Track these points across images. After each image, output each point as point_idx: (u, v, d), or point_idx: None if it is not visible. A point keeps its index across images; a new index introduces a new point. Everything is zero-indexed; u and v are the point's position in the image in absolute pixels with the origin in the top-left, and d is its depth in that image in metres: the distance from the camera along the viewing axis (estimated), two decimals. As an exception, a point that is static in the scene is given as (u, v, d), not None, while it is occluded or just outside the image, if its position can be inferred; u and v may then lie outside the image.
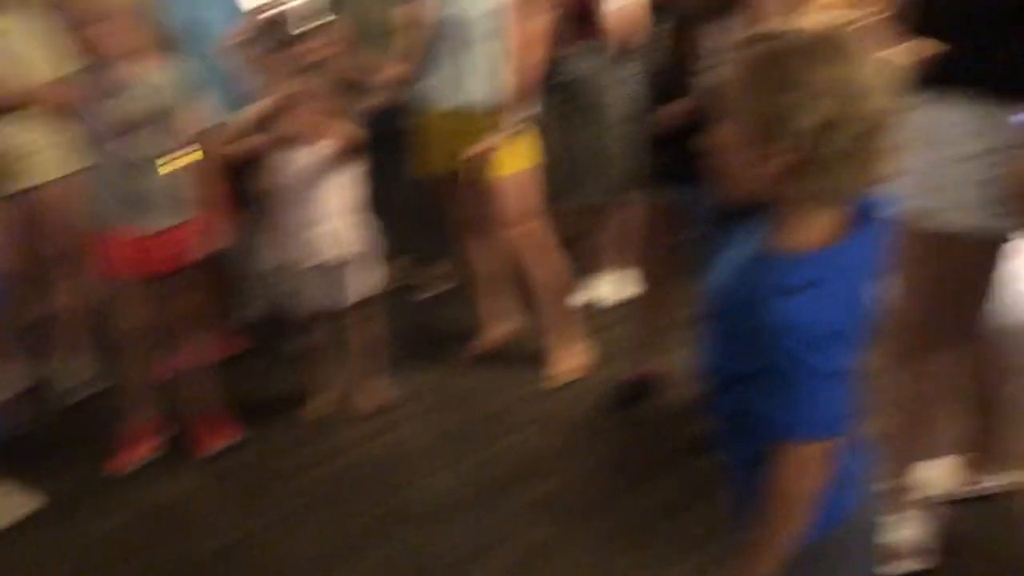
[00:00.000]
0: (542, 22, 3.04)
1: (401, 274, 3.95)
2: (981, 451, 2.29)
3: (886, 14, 1.92)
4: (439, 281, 4.12)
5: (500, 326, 3.47)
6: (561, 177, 3.64)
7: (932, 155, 1.90)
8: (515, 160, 3.08)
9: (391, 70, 3.31)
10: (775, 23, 1.31)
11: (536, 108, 3.19)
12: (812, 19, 1.12)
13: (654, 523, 2.36)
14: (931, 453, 2.24)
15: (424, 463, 2.74)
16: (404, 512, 2.51)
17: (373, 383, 3.08)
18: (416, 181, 3.59)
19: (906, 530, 2.10)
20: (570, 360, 3.20)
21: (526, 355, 3.34)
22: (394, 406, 3.06)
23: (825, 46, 1.06)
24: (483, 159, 3.01)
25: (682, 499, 2.44)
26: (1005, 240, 1.93)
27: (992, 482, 2.29)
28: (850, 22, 1.10)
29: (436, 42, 3.04)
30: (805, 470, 1.13)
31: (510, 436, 2.85)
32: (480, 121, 3.02)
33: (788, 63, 1.06)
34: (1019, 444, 2.30)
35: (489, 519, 2.44)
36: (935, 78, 1.84)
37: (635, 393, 2.98)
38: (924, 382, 2.11)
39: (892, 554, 2.04)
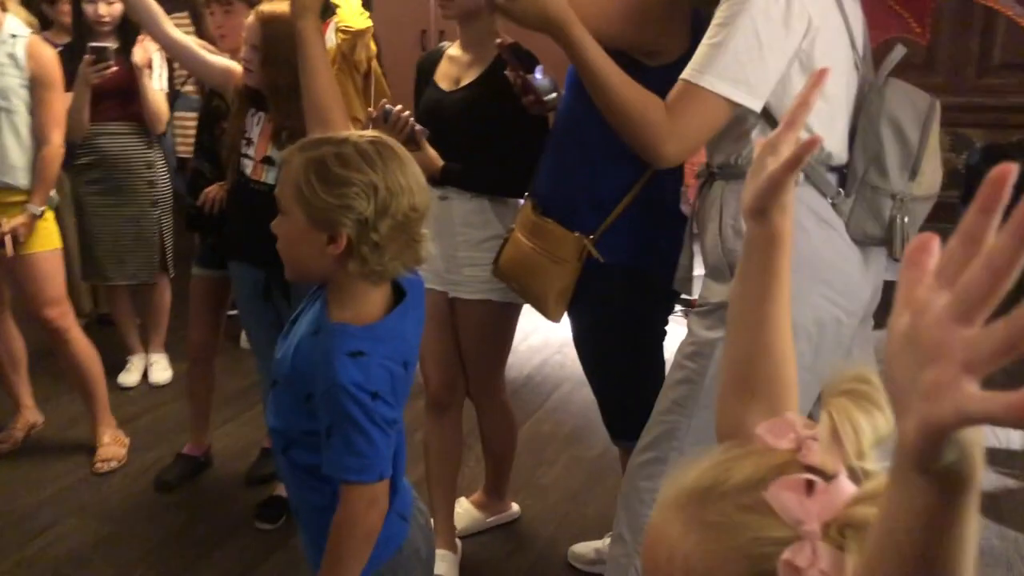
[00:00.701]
0: (66, 100, 3.01)
1: None
2: (493, 489, 2.74)
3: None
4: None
5: (29, 417, 3.24)
6: (98, 256, 3.55)
7: (448, 241, 2.32)
8: (44, 238, 2.96)
9: None
10: (326, 131, 1.57)
11: (59, 186, 3.10)
12: (357, 132, 1.39)
13: (216, 595, 2.42)
14: (456, 494, 2.62)
15: (-58, 578, 2.48)
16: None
17: None
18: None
19: (441, 563, 2.44)
20: (114, 445, 3.09)
21: (62, 445, 3.18)
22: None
23: (369, 154, 1.31)
24: (20, 235, 2.85)
25: (248, 564, 2.52)
26: (516, 307, 2.39)
27: (498, 515, 2.74)
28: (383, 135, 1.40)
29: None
30: (372, 506, 1.34)
31: (50, 532, 2.68)
32: (11, 196, 2.87)
33: (340, 166, 1.29)
34: (514, 481, 2.80)
35: (34, 621, 2.30)
36: (444, 180, 2.27)
37: (189, 470, 2.99)
38: (451, 432, 2.50)
39: None
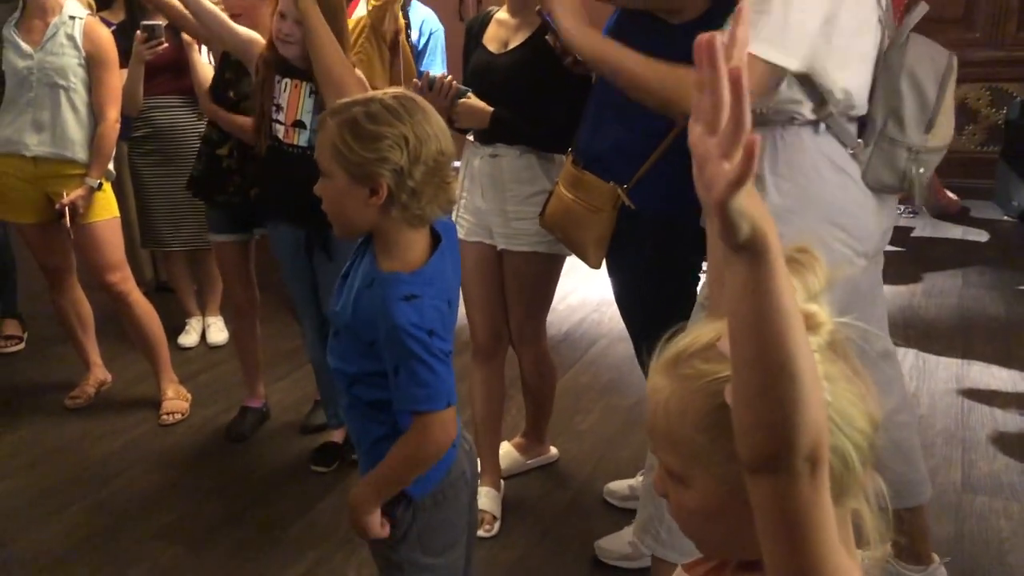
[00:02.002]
0: (121, 76, 3.19)
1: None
2: (532, 433, 2.89)
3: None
4: (12, 339, 3.97)
5: (98, 375, 3.47)
6: (155, 224, 3.76)
7: (498, 196, 2.45)
8: (102, 208, 3.16)
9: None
10: (351, 94, 1.71)
11: (117, 158, 3.29)
12: (383, 89, 1.53)
13: (275, 532, 2.59)
14: (501, 437, 2.77)
15: (28, 516, 2.69)
16: (15, 565, 2.46)
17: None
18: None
19: (484, 499, 2.59)
20: (178, 399, 3.31)
21: (129, 401, 3.41)
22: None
23: (395, 109, 1.43)
24: (79, 206, 3.05)
25: (299, 507, 2.71)
26: (561, 258, 2.52)
27: (538, 458, 2.90)
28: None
29: (20, 88, 3.04)
30: (443, 429, 1.46)
31: (122, 477, 2.90)
32: (71, 169, 3.08)
33: (372, 123, 1.41)
34: (553, 428, 2.96)
35: (113, 554, 2.50)
36: (493, 128, 2.40)
37: (257, 420, 3.20)
38: (496, 379, 2.65)
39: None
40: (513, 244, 2.48)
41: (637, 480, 2.65)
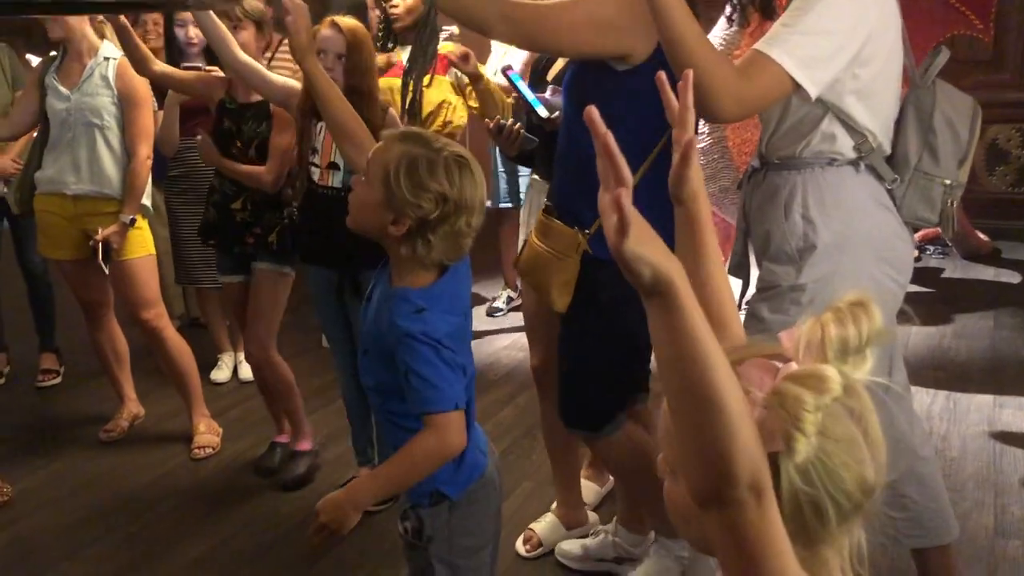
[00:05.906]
0: (158, 118, 3.28)
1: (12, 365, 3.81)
2: (596, 462, 2.86)
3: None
4: (50, 372, 4.04)
5: (132, 409, 3.52)
6: (189, 261, 3.82)
7: None
8: (138, 245, 3.23)
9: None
10: (352, 144, 1.80)
11: (151, 196, 3.37)
12: (445, 140, 1.58)
13: (303, 566, 2.61)
14: (573, 467, 2.71)
15: (61, 548, 2.72)
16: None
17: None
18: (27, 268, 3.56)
19: (541, 522, 2.64)
20: (209, 433, 3.35)
21: (162, 435, 3.46)
22: (20, 497, 2.99)
23: (452, 168, 1.51)
24: (113, 242, 3.13)
25: (326, 542, 2.72)
26: None
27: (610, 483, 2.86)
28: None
29: (61, 130, 3.13)
30: (454, 431, 1.52)
31: (154, 510, 2.93)
32: (108, 206, 3.16)
33: (427, 171, 1.49)
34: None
35: (145, 585, 2.53)
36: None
37: (287, 456, 3.20)
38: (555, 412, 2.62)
39: (527, 537, 2.61)
40: None
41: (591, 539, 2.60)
